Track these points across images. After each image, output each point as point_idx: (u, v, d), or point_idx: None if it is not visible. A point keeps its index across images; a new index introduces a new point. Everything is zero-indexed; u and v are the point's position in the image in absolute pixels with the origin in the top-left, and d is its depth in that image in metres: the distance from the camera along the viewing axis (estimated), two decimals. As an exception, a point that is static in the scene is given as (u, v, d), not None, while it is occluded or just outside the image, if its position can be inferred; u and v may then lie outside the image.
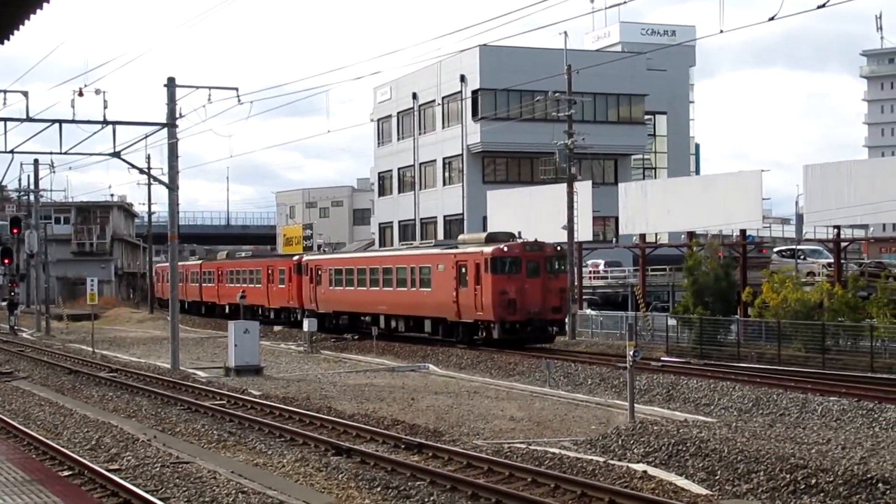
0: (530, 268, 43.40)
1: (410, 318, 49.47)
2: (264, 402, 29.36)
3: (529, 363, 39.10)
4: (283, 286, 62.77)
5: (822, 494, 16.67)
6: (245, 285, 67.88)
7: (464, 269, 44.49)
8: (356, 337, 53.93)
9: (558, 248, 45.52)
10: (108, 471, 19.08)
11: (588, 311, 54.16)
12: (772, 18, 24.05)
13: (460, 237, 51.43)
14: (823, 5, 23.25)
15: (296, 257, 62.72)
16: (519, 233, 46.90)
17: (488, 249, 43.47)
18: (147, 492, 17.28)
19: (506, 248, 43.43)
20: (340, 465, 20.10)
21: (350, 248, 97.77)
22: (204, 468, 19.75)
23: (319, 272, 57.59)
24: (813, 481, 17.05)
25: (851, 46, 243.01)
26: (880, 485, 16.35)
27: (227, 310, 71.03)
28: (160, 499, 16.83)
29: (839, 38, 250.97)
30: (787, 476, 17.44)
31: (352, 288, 54.41)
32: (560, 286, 44.31)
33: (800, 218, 62.63)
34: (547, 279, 43.47)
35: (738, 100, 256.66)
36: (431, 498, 17.35)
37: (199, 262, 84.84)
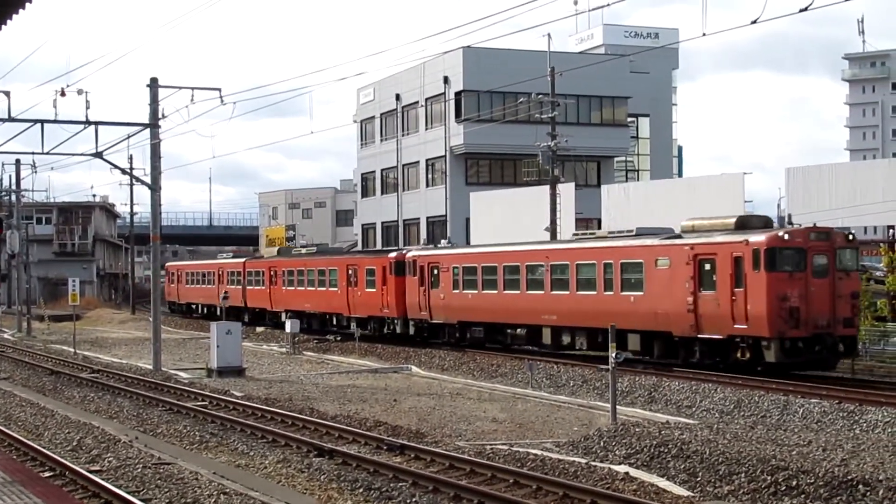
0: (817, 264, 32.16)
1: (596, 332, 37.14)
2: (246, 403, 29.32)
3: (512, 365, 39.10)
4: (372, 290, 50.81)
5: (802, 496, 16.73)
6: (311, 289, 57.81)
7: (707, 266, 33.13)
8: (338, 338, 53.86)
9: (849, 235, 33.48)
10: (90, 472, 19.03)
11: None
12: (754, 22, 24.10)
13: (687, 223, 35.99)
14: (806, 9, 23.32)
15: (393, 254, 50.90)
16: (789, 216, 39.14)
17: (759, 238, 31.73)
18: (128, 493, 17.24)
19: (786, 236, 31.98)
20: (322, 467, 20.08)
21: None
22: (186, 469, 19.71)
23: (436, 271, 46.11)
24: (794, 483, 17.11)
25: (831, 50, 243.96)
26: (861, 486, 16.42)
27: (283, 317, 57.36)
28: (141, 500, 16.79)
29: (819, 41, 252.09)
30: (769, 478, 17.50)
31: (493, 292, 42.66)
32: (852, 289, 32.88)
33: (782, 220, 62.86)
34: (837, 280, 32.22)
35: (720, 103, 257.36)
36: (413, 499, 17.35)
37: (243, 260, 71.33)
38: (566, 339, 39.13)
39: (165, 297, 79.62)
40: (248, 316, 65.46)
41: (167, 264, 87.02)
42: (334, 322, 55.84)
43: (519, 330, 41.53)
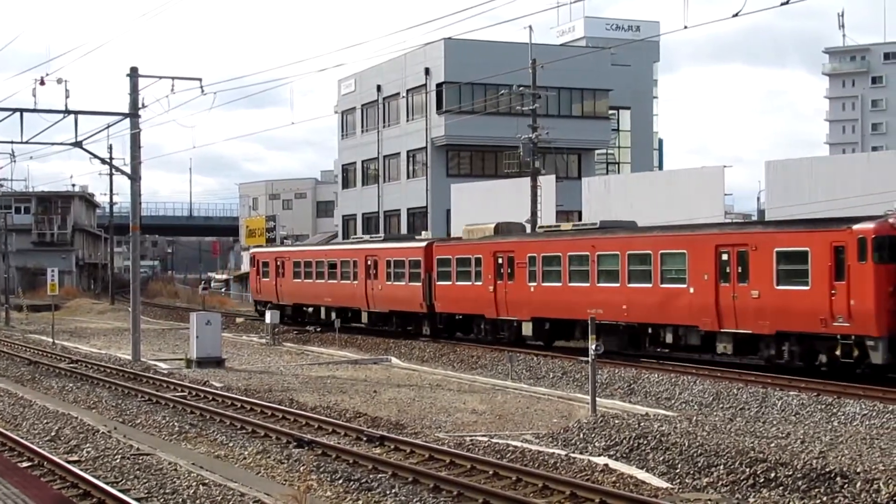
0: None
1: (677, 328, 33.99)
2: (226, 394, 29.28)
3: (492, 356, 39.14)
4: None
5: (781, 488, 16.79)
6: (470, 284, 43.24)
7: (793, 259, 30.17)
8: (318, 329, 53.85)
9: None
10: (68, 462, 18.97)
11: None
12: (736, 15, 24.16)
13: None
14: (787, 2, 23.37)
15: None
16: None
17: (866, 226, 28.55)
18: (107, 483, 17.19)
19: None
20: (302, 458, 20.06)
21: (312, 239, 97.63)
22: (164, 460, 19.67)
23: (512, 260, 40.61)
24: (772, 475, 17.17)
25: (809, 43, 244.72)
26: (839, 478, 16.50)
27: (527, 328, 40.67)
28: (120, 490, 16.74)
29: (797, 34, 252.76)
30: (747, 470, 17.56)
31: (574, 284, 37.48)
32: None
33: (761, 214, 63.03)
34: None
35: (699, 95, 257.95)
36: (393, 490, 17.35)
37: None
38: (664, 335, 34.69)
39: (254, 294, 64.48)
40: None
41: (254, 251, 67.82)
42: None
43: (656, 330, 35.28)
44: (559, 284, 38.30)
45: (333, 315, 52.78)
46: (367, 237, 57.62)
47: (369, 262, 49.98)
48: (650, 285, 34.44)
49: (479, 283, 42.43)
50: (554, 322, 39.49)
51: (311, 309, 56.88)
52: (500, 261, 41.48)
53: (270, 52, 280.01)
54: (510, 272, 40.81)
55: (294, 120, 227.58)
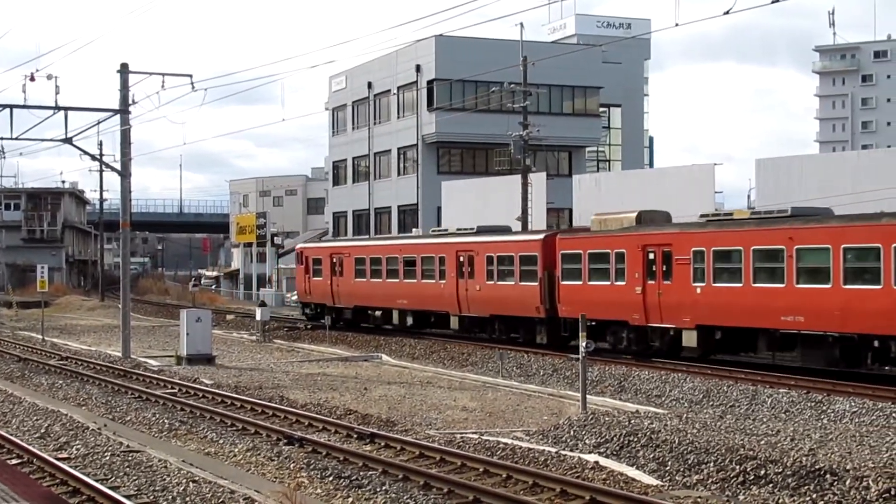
0: None
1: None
2: (216, 391, 29.24)
3: (482, 354, 39.15)
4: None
5: (771, 485, 16.82)
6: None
7: None
8: (308, 326, 53.78)
9: None
10: (58, 459, 18.93)
11: None
12: (727, 12, 24.16)
13: None
14: (777, 0, 23.39)
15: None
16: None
17: None
18: (97, 480, 17.16)
19: None
20: (292, 455, 20.05)
21: (303, 235, 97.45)
22: (154, 457, 19.64)
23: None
24: (762, 472, 17.20)
25: (799, 42, 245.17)
26: (828, 476, 16.52)
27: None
28: (110, 487, 16.71)
29: (786, 33, 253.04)
30: (737, 467, 17.58)
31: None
32: None
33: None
34: None
35: (690, 93, 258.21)
36: (383, 487, 17.34)
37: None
38: None
39: (301, 297, 56.83)
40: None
41: (301, 246, 59.72)
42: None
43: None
44: (738, 285, 31.49)
45: (410, 319, 47.23)
46: (450, 229, 48.01)
47: (462, 259, 43.16)
48: (879, 287, 27.65)
49: (622, 283, 35.49)
50: (728, 331, 32.60)
51: (378, 312, 49.77)
52: (651, 256, 34.70)
53: (261, 49, 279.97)
54: (666, 270, 33.93)
55: (285, 117, 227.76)
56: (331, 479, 18.06)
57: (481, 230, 44.49)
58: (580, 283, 37.27)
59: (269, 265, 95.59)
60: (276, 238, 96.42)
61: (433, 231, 50.76)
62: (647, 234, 35.26)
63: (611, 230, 37.23)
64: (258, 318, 49.92)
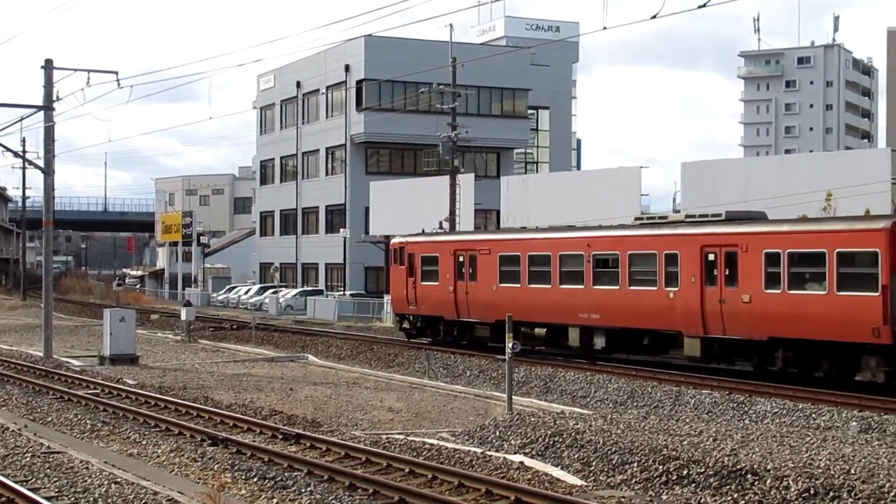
0: None
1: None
2: (139, 391, 28.91)
3: (409, 354, 39.13)
4: None
5: (693, 485, 16.98)
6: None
7: None
8: (234, 326, 53.43)
9: None
10: (-24, 461, 18.59)
11: None
12: (654, 16, 24.40)
13: None
14: (704, 5, 23.66)
15: None
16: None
17: None
18: (16, 482, 16.88)
19: None
20: (216, 456, 19.87)
21: (231, 235, 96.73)
22: (76, 458, 19.37)
23: None
24: (685, 472, 17.36)
25: (723, 47, 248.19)
26: (749, 476, 16.72)
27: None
28: (30, 489, 16.45)
29: (712, 38, 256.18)
30: (660, 467, 17.74)
31: None
32: None
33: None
34: None
35: (616, 96, 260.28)
36: (308, 488, 17.26)
37: (742, 229, 30.43)
38: None
39: (400, 306, 43.54)
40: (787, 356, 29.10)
41: (402, 240, 43.49)
42: None
43: None
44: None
45: (601, 341, 34.74)
46: (670, 217, 35.15)
47: (711, 257, 30.70)
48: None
49: None
50: None
51: (544, 330, 36.53)
52: None
53: (188, 47, 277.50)
54: None
55: (212, 115, 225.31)
56: (255, 479, 17.94)
57: (731, 217, 31.94)
58: None
59: (194, 264, 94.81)
60: (202, 237, 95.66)
61: (641, 218, 36.69)
62: None
63: None
64: (183, 317, 49.48)
